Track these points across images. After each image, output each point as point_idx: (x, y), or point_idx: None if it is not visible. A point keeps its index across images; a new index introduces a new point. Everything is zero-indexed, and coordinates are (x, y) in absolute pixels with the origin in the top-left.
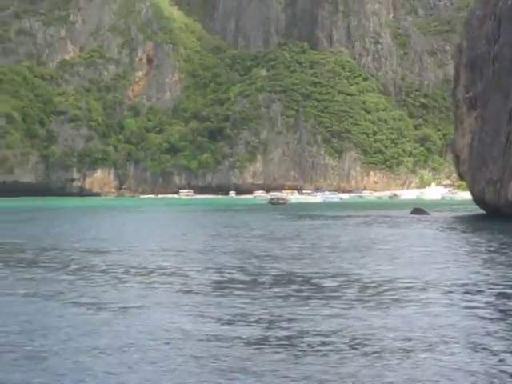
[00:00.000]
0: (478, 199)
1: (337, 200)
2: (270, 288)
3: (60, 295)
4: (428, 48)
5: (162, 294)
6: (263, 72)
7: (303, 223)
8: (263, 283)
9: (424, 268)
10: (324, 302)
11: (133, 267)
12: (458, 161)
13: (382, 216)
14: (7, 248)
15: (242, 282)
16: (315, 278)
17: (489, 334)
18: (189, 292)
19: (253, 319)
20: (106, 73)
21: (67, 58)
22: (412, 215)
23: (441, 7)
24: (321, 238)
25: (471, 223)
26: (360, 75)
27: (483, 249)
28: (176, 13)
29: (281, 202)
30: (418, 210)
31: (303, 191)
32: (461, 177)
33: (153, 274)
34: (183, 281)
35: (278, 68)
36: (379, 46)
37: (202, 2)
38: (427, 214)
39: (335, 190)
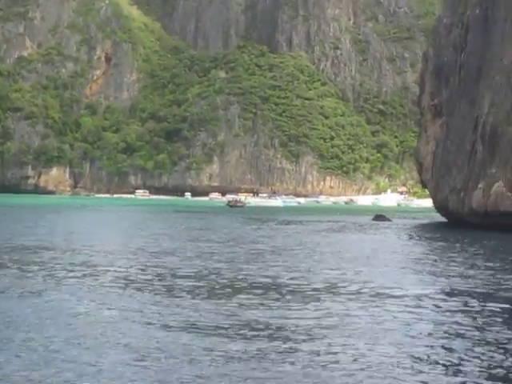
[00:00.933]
0: (441, 207)
1: (295, 204)
2: (232, 294)
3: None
4: (387, 55)
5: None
6: (222, 74)
7: (270, 227)
8: (217, 288)
9: (387, 274)
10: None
11: (88, 267)
12: (421, 168)
13: (346, 222)
14: None
15: (194, 286)
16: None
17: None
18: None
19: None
20: (63, 70)
21: (25, 54)
22: (374, 221)
23: (401, 14)
24: (296, 245)
25: (435, 231)
26: (319, 80)
27: (451, 257)
28: (135, 12)
29: (239, 204)
30: (380, 216)
31: (259, 194)
32: (423, 184)
33: (106, 275)
34: (130, 282)
35: (236, 70)
36: (338, 52)
37: (161, 2)
38: (389, 220)
39: (291, 194)
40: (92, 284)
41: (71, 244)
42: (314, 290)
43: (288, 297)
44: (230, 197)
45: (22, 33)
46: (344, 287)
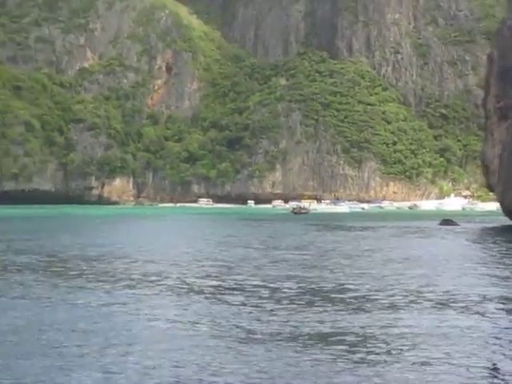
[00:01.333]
0: (510, 210)
1: (359, 210)
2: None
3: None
4: (448, 58)
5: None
6: (282, 81)
7: (339, 234)
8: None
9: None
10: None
11: (181, 275)
12: (487, 172)
13: (414, 227)
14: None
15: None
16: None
17: None
18: (244, 303)
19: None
20: (125, 81)
21: (86, 65)
22: (442, 226)
23: (461, 17)
24: (372, 250)
25: (506, 234)
26: (380, 85)
27: None
28: (195, 21)
29: (303, 211)
30: (448, 220)
31: (322, 201)
32: (490, 188)
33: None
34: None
35: (297, 77)
36: (399, 56)
37: (221, 11)
38: (457, 224)
39: (355, 200)
40: (172, 295)
41: (149, 255)
42: (395, 298)
43: (368, 305)
44: (294, 204)
45: (83, 44)
46: (427, 295)
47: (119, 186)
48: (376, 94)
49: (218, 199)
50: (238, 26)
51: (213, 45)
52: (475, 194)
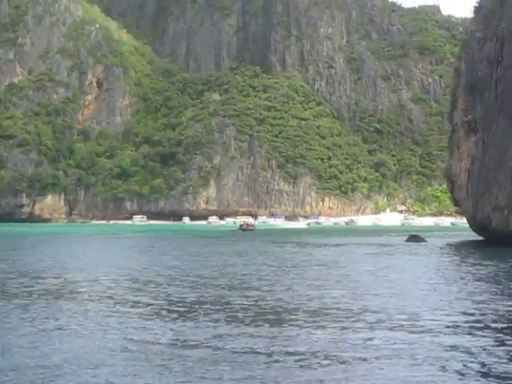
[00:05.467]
0: (480, 226)
1: (305, 226)
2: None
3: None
4: (382, 73)
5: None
6: (216, 96)
7: (324, 251)
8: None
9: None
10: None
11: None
12: (453, 186)
13: (383, 244)
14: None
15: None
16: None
17: None
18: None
19: None
20: (55, 96)
21: (15, 81)
22: (412, 243)
23: (394, 32)
24: (369, 273)
25: (486, 251)
26: (314, 100)
27: None
28: (125, 36)
29: (250, 228)
30: (415, 236)
31: (259, 217)
32: (455, 202)
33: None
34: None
35: (230, 92)
36: (333, 71)
37: (151, 25)
38: (424, 241)
39: (291, 216)
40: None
41: (115, 277)
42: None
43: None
44: (241, 220)
45: (12, 59)
46: None
47: (50, 203)
48: (310, 108)
49: (152, 216)
50: (169, 41)
51: (144, 59)
52: (411, 209)
